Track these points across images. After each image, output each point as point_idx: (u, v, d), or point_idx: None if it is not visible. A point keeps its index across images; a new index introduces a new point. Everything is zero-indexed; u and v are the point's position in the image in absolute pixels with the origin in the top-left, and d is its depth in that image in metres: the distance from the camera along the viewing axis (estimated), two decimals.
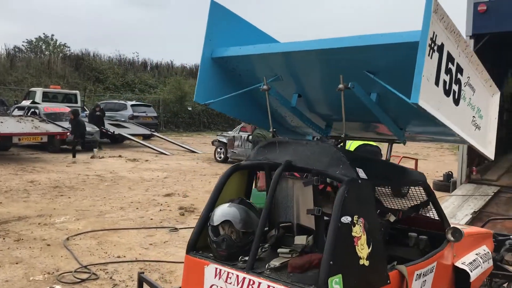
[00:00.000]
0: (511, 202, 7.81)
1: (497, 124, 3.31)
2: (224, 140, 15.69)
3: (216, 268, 2.61)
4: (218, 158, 15.98)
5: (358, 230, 2.39)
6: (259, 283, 2.42)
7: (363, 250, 2.41)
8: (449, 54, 2.42)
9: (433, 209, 3.48)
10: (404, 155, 11.61)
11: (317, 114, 3.40)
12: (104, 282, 4.99)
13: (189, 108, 31.37)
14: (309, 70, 2.93)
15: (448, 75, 2.46)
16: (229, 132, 16.39)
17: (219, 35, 3.15)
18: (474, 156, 8.86)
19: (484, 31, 8.09)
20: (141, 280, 3.23)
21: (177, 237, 6.79)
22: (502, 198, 7.96)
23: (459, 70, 2.59)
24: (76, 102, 22.86)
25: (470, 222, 6.96)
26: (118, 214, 8.05)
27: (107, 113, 20.97)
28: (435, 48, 2.26)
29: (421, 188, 3.34)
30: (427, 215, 3.68)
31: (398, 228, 3.56)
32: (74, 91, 24.18)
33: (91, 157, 15.11)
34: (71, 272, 5.19)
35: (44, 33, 36.62)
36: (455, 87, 2.56)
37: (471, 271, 3.39)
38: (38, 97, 21.63)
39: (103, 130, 18.61)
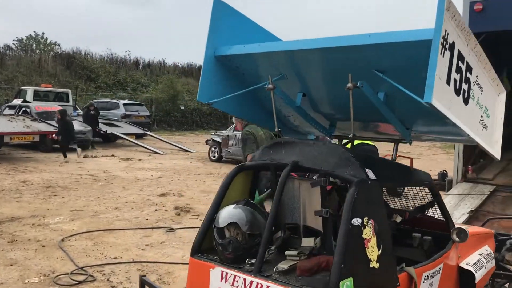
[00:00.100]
0: (507, 201, 7.82)
1: None
2: (218, 139, 15.62)
3: (222, 271, 2.55)
4: (212, 157, 15.91)
5: (368, 232, 2.35)
6: (267, 287, 2.37)
7: (373, 252, 2.36)
8: (459, 53, 2.38)
9: (437, 209, 3.46)
10: (398, 154, 11.59)
11: (321, 113, 3.35)
12: (101, 284, 4.92)
13: (182, 107, 31.24)
14: (315, 68, 2.88)
15: (459, 74, 2.42)
16: (223, 131, 16.32)
17: (222, 33, 3.09)
18: (469, 155, 8.86)
19: (480, 30, 8.06)
20: (143, 283, 3.16)
21: (174, 237, 6.72)
22: (498, 197, 7.96)
23: (469, 69, 2.55)
24: (68, 101, 22.64)
25: (467, 221, 6.96)
26: (113, 214, 7.96)
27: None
28: (447, 46, 2.22)
29: (426, 188, 3.31)
30: (429, 215, 3.66)
31: (401, 228, 3.53)
32: (65, 90, 23.95)
33: (78, 156, 14.91)
34: (67, 274, 5.11)
35: (34, 31, 36.36)
36: (464, 86, 2.53)
37: (476, 272, 3.36)
38: (29, 96, 21.39)
39: (97, 130, 18.42)
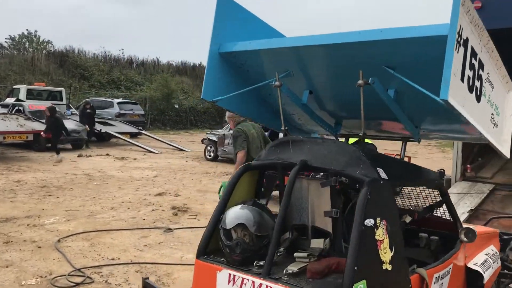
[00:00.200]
0: (507, 200, 7.81)
1: None
2: (214, 138, 15.53)
3: (230, 274, 2.48)
4: (208, 156, 15.82)
5: (381, 233, 2.29)
6: None
7: (385, 254, 2.30)
8: (472, 49, 2.32)
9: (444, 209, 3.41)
10: (397, 152, 11.58)
11: (327, 111, 3.29)
12: (99, 286, 4.83)
13: (176, 106, 31.09)
14: (323, 65, 2.82)
15: (472, 70, 2.36)
16: (219, 130, 16.22)
17: (226, 29, 3.02)
18: (468, 154, 8.85)
19: None
20: (146, 286, 3.08)
21: (172, 238, 6.64)
22: (497, 196, 7.95)
23: (481, 65, 2.49)
24: (61, 100, 22.43)
25: (467, 220, 6.93)
26: (110, 215, 7.85)
27: None
28: (461, 42, 2.16)
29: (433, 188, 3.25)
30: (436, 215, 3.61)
31: (407, 228, 3.47)
32: (59, 89, 23.72)
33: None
34: (64, 275, 5.01)
35: (27, 30, 36.03)
36: (477, 83, 2.47)
37: (484, 272, 3.32)
38: (22, 95, 21.17)
39: (95, 130, 18.21)
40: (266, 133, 10.65)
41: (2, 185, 10.00)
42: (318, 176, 2.89)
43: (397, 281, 2.39)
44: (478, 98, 2.52)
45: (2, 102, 19.92)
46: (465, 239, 3.19)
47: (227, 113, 6.15)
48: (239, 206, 2.64)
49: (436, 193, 3.71)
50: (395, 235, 2.39)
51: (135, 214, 7.96)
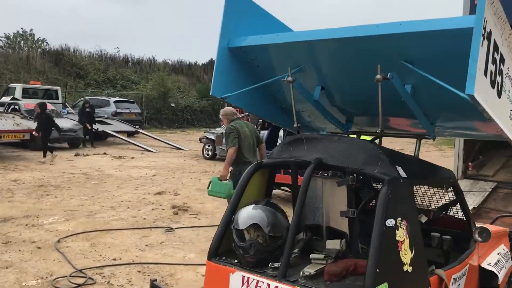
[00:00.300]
0: (509, 198, 7.75)
1: None
2: (212, 137, 15.41)
3: (244, 276, 2.39)
4: (206, 155, 15.71)
5: (401, 234, 2.21)
6: None
7: (406, 255, 2.22)
8: (495, 43, 2.25)
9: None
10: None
11: (338, 108, 3.20)
12: (101, 287, 4.73)
13: (172, 105, 30.90)
14: (337, 60, 2.73)
15: (494, 65, 2.29)
16: (217, 129, 16.11)
17: (235, 23, 2.93)
18: (469, 152, 8.79)
19: None
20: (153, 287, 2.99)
21: (174, 237, 6.54)
22: (499, 194, 7.89)
23: (502, 60, 2.42)
24: (57, 98, 22.21)
25: None
26: (109, 214, 7.74)
27: None
28: (485, 35, 2.08)
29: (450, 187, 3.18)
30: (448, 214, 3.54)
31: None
32: (55, 87, 23.49)
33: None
34: (65, 276, 4.90)
35: (22, 28, 35.77)
36: (498, 79, 2.39)
37: (499, 272, 3.25)
38: (18, 93, 20.95)
39: (94, 129, 18.02)
40: (266, 132, 10.66)
41: None
42: (326, 174, 2.80)
43: (417, 282, 2.31)
44: (499, 94, 2.44)
45: None
46: (479, 238, 3.12)
47: (221, 111, 6.28)
48: (251, 206, 2.55)
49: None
50: (415, 236, 2.31)
51: (135, 213, 7.85)
